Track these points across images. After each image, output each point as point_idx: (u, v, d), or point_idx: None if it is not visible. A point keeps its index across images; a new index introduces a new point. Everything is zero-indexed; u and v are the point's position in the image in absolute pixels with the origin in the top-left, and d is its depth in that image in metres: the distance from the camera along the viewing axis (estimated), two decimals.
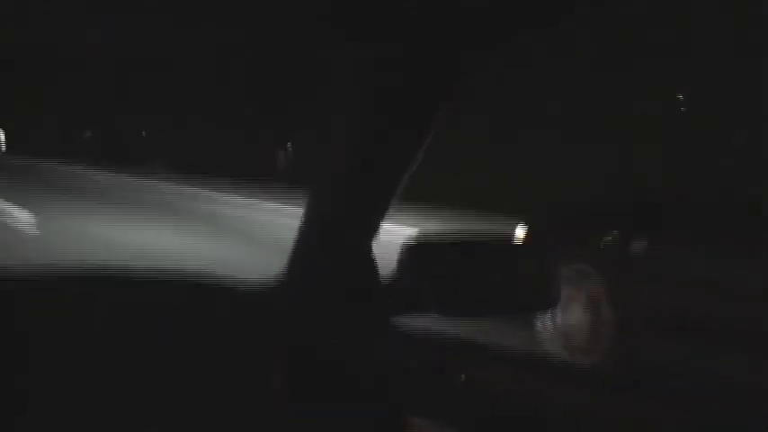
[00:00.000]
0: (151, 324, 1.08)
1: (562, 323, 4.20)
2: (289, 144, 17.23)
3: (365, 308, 1.16)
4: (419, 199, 6.37)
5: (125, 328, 1.07)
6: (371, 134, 1.10)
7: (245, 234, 9.17)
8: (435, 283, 1.12)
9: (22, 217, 8.97)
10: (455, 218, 9.51)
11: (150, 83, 19.78)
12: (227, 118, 18.23)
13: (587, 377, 3.77)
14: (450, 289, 1.13)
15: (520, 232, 4.53)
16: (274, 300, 1.19)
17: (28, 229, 8.41)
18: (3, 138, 24.96)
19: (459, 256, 1.16)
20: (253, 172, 15.53)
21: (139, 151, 20.66)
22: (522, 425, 1.04)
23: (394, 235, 1.30)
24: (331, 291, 1.16)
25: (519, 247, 1.26)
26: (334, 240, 1.17)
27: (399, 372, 1.14)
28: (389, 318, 1.17)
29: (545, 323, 4.24)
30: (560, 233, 4.53)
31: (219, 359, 1.07)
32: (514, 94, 11.00)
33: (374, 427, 1.09)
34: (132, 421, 0.98)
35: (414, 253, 1.12)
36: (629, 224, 4.25)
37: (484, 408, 1.05)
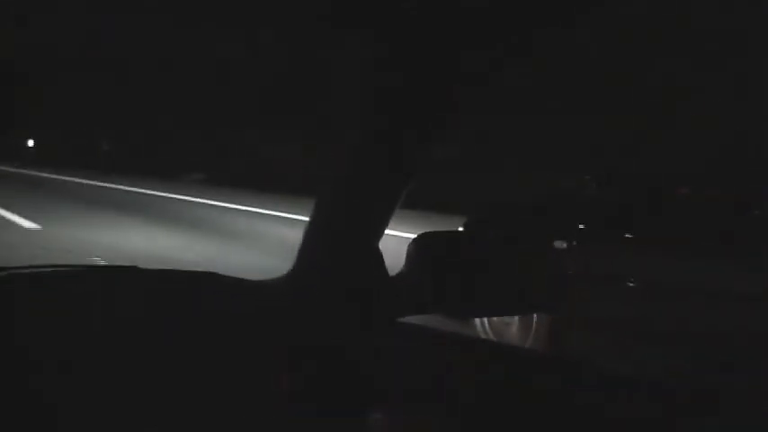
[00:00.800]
0: (155, 321, 1.08)
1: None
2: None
3: (368, 307, 1.16)
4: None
5: (129, 326, 1.07)
6: (372, 134, 1.10)
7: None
8: (439, 280, 1.12)
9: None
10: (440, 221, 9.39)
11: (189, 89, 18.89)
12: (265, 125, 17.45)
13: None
14: (454, 288, 1.12)
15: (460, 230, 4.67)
16: (278, 298, 1.19)
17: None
18: (31, 145, 25.40)
19: (463, 253, 1.16)
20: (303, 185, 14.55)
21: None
22: (521, 422, 1.04)
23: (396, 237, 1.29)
24: (334, 290, 1.16)
25: (523, 245, 1.25)
26: (336, 240, 1.17)
27: (400, 371, 1.14)
28: (393, 317, 1.17)
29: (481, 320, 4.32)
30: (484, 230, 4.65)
31: (222, 358, 1.07)
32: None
33: (375, 427, 1.09)
34: (133, 420, 0.98)
35: (417, 251, 1.12)
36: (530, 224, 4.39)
37: (483, 405, 1.05)
